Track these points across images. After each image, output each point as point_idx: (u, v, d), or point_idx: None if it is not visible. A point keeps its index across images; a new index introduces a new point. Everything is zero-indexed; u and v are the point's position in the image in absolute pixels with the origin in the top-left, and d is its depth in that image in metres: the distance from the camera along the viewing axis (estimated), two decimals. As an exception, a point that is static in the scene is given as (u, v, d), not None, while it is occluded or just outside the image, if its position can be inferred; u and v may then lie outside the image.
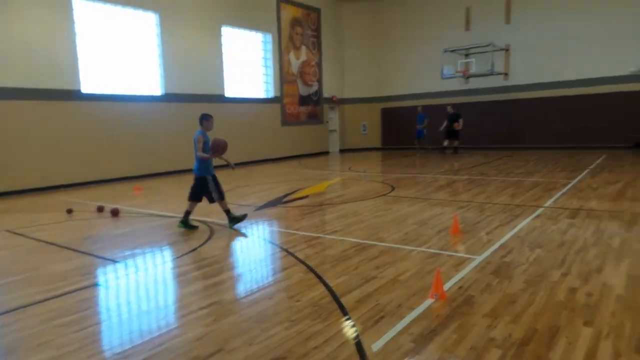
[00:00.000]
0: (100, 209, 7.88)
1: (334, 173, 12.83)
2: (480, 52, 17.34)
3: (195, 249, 5.25)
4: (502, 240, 5.05)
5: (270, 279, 4.22)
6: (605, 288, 3.57)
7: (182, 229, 6.16)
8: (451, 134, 16.64)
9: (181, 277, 4.37)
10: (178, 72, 13.86)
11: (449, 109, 16.74)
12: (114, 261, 4.90)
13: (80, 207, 8.37)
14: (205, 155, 5.98)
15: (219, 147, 6.07)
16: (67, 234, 6.36)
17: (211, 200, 6.20)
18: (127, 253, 5.22)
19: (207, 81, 14.82)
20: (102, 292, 4.02)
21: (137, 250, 5.32)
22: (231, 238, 5.84)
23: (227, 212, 6.24)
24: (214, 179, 6.14)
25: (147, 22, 13.14)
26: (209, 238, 5.75)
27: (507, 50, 17.53)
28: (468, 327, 2.99)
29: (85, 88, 11.73)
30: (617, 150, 15.25)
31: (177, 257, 5.03)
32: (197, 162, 6.07)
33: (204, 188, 6.12)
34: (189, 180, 7.00)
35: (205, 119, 6.08)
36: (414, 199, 8.06)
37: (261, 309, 3.45)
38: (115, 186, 11.53)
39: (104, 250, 5.38)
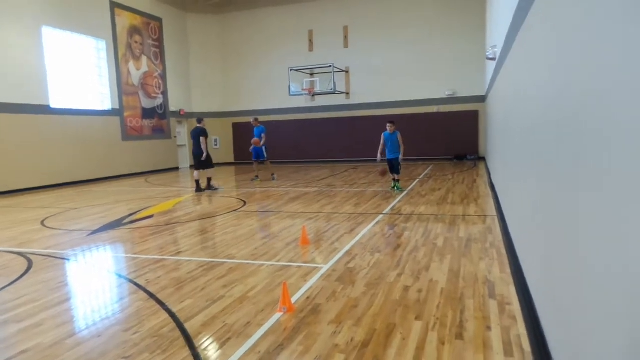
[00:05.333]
0: None
1: (183, 190, 12.19)
2: (324, 73, 18.42)
3: (5, 287, 4.40)
4: (347, 248, 5.31)
5: (103, 312, 3.72)
6: (432, 283, 3.97)
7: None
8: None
9: (-16, 323, 3.59)
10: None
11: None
12: None
13: None
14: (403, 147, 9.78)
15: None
16: None
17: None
18: None
19: (25, 88, 12.81)
20: None
21: None
22: (55, 269, 5.04)
23: (395, 179, 10.01)
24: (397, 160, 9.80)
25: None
26: (26, 272, 4.88)
27: (347, 72, 18.96)
28: (314, 337, 3.01)
29: None
30: (441, 161, 17.55)
31: (-19, 299, 4.14)
32: (394, 151, 9.66)
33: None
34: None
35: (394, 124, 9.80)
36: (265, 212, 8.06)
37: (88, 349, 2.99)
38: None
39: None
